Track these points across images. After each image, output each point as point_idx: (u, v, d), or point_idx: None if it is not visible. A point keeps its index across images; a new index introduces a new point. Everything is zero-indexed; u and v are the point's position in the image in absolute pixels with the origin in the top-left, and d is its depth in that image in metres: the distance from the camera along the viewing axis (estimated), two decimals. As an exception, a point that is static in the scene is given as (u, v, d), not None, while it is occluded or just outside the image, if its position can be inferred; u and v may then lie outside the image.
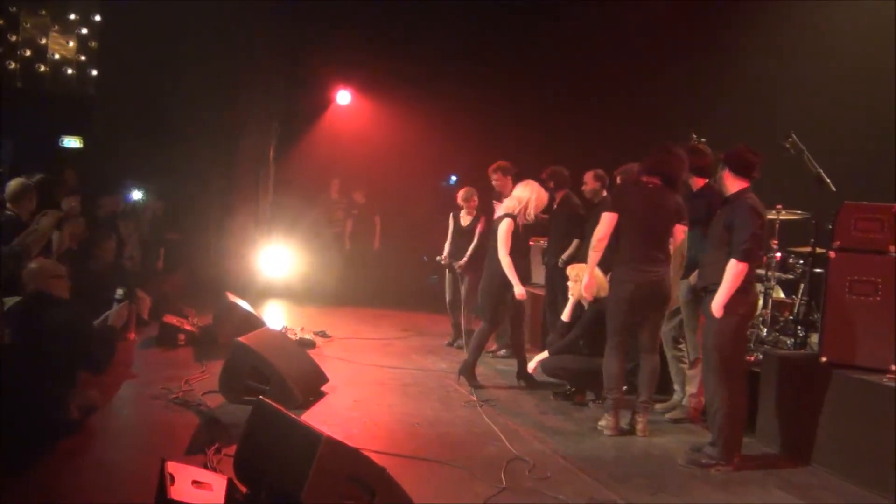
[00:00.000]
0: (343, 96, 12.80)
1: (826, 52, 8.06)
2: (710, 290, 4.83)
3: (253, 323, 7.36)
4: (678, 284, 5.75)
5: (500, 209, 6.95)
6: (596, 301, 6.08)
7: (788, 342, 6.10)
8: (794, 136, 6.01)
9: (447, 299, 8.48)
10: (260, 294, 10.78)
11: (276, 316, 9.78)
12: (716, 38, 9.29)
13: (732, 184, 4.89)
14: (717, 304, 4.75)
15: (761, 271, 6.42)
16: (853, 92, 7.60)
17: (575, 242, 7.45)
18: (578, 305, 6.35)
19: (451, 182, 13.67)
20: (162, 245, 10.55)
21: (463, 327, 8.19)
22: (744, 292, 4.77)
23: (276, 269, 11.70)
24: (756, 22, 8.89)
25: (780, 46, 8.53)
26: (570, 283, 6.40)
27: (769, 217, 6.16)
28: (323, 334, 8.45)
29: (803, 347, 5.90)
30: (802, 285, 6.33)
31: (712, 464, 4.81)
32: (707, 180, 5.76)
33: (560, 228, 7.64)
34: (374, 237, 12.14)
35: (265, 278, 11.56)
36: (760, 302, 6.18)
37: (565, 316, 6.43)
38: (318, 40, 11.85)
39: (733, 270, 4.69)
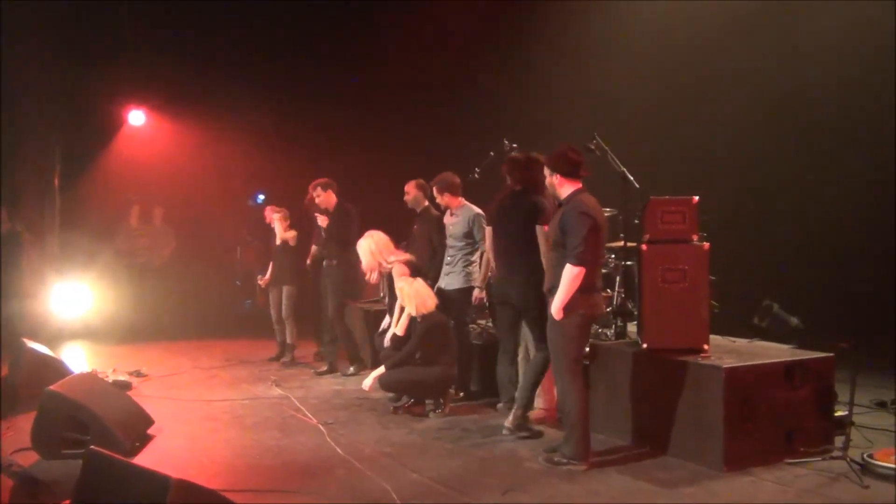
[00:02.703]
0: (136, 117, 11.98)
1: (620, 55, 8.57)
2: (554, 291, 4.88)
3: (57, 369, 6.70)
4: None
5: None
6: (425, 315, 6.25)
7: (609, 333, 6.41)
8: (597, 137, 6.24)
9: (273, 318, 8.61)
10: (56, 337, 9.81)
11: (80, 359, 8.98)
12: (515, 45, 9.66)
13: (565, 187, 4.95)
14: (556, 307, 4.82)
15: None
16: (647, 94, 8.13)
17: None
18: (412, 319, 6.37)
19: (259, 201, 13.28)
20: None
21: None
22: (586, 292, 4.82)
23: (73, 307, 10.74)
24: (552, 26, 9.27)
25: (574, 50, 8.96)
26: (399, 297, 6.44)
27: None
28: (138, 373, 7.84)
29: (623, 337, 6.23)
30: (618, 278, 6.63)
31: (564, 462, 4.90)
32: None
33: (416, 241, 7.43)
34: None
35: (60, 319, 10.57)
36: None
37: (400, 330, 6.42)
38: (101, 62, 11.03)
39: (569, 275, 4.74)
